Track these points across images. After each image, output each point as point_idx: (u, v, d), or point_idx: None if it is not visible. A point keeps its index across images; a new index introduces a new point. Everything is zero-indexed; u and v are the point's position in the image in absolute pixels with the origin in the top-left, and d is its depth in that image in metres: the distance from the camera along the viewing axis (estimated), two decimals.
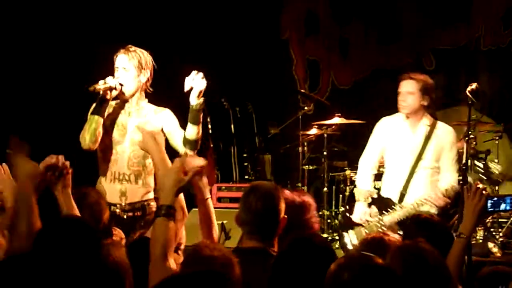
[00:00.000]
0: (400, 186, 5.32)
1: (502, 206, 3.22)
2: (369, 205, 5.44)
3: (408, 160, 5.33)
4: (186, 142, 4.54)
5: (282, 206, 3.30)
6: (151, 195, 4.62)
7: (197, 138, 4.53)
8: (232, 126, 8.14)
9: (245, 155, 8.30)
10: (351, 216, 5.48)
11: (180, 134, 4.57)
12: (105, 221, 3.41)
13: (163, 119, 4.65)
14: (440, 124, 5.39)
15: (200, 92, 4.43)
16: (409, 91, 5.29)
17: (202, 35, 8.89)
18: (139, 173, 4.61)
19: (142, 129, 3.65)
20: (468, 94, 5.17)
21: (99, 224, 3.35)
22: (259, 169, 8.30)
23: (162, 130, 4.55)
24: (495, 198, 3.25)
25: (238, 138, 8.25)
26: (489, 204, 3.20)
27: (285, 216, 3.31)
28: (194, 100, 4.44)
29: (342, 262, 2.30)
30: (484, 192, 3.22)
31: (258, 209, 3.25)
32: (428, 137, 5.30)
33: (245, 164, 8.22)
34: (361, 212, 5.42)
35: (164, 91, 4.90)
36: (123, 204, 4.55)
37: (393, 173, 5.43)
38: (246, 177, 8.10)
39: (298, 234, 2.99)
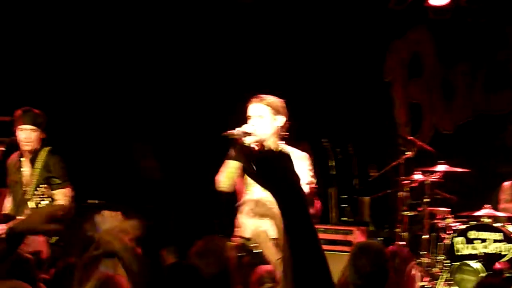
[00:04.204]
0: None
1: None
2: None
3: None
4: None
5: (391, 266, 3.30)
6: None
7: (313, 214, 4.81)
8: (333, 167, 8.13)
9: (344, 196, 8.28)
10: None
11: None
12: (225, 269, 3.46)
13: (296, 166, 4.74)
14: None
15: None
16: None
17: (305, 75, 8.98)
18: (274, 210, 4.74)
19: None
20: None
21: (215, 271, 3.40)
22: (357, 212, 8.26)
23: None
24: None
25: (338, 180, 8.24)
26: None
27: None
28: None
29: None
30: None
31: (370, 272, 3.23)
32: None
33: (344, 206, 8.19)
34: None
35: None
36: None
37: None
38: (344, 219, 8.07)
39: None
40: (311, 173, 4.81)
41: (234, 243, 4.73)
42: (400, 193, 7.66)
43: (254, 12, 8.89)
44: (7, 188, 6.13)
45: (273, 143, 4.84)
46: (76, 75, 8.77)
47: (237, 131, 4.67)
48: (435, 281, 7.28)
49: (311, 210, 4.77)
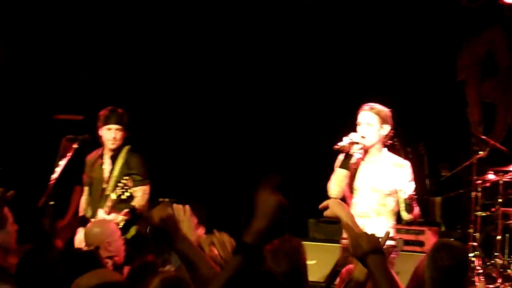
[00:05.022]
0: None
1: None
2: None
3: None
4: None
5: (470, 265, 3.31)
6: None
7: (412, 219, 5.19)
8: None
9: (415, 196, 8.19)
10: None
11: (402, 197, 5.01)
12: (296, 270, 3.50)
13: (398, 176, 5.15)
14: None
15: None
16: None
17: (377, 75, 8.96)
18: (379, 212, 5.12)
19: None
20: None
21: (288, 269, 3.44)
22: (428, 212, 8.18)
23: None
24: None
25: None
26: None
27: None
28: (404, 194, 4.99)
29: None
30: None
31: (448, 266, 3.24)
32: None
33: None
34: None
35: None
36: None
37: None
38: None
39: None
40: (412, 182, 4.97)
41: (342, 244, 5.11)
42: (473, 193, 7.59)
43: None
44: (83, 186, 6.28)
45: (377, 150, 5.18)
46: (148, 74, 8.94)
47: (345, 141, 5.02)
48: (508, 283, 7.17)
49: (411, 216, 4.93)
